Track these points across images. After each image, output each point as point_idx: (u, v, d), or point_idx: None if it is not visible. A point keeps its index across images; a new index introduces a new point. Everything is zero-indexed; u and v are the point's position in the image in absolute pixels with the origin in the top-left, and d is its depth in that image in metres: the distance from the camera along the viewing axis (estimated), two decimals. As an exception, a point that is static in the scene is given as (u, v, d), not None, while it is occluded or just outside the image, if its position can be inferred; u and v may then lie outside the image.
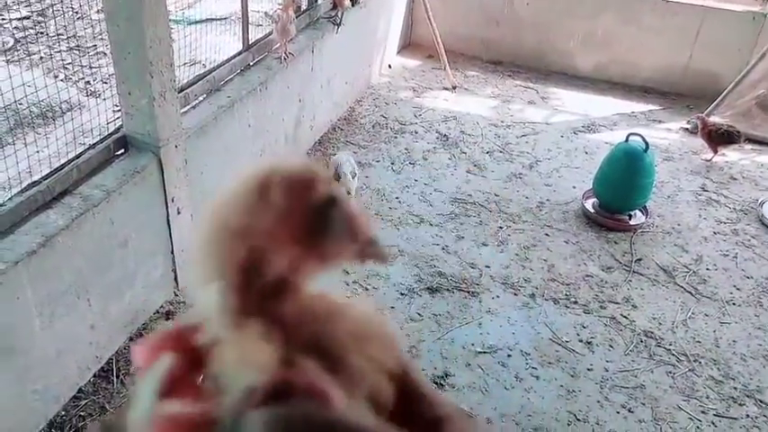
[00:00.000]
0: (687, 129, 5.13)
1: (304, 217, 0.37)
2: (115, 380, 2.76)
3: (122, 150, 2.80)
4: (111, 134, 2.76)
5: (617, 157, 3.91)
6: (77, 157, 2.59)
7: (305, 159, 0.40)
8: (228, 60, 3.51)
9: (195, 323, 0.36)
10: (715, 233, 4.00)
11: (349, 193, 3.85)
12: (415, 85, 5.62)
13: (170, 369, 0.33)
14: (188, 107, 3.14)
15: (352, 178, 3.87)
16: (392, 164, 4.47)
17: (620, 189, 3.91)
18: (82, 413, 2.59)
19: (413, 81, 5.70)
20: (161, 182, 2.85)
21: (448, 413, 0.39)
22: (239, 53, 3.61)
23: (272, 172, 0.37)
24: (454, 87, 5.59)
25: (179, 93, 2.99)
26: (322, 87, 4.47)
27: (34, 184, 2.41)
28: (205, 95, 3.30)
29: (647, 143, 3.83)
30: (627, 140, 3.92)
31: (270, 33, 3.86)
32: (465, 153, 4.67)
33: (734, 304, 3.44)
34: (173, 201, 2.94)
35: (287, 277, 0.37)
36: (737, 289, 3.55)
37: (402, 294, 3.31)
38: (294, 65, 3.96)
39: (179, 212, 3.01)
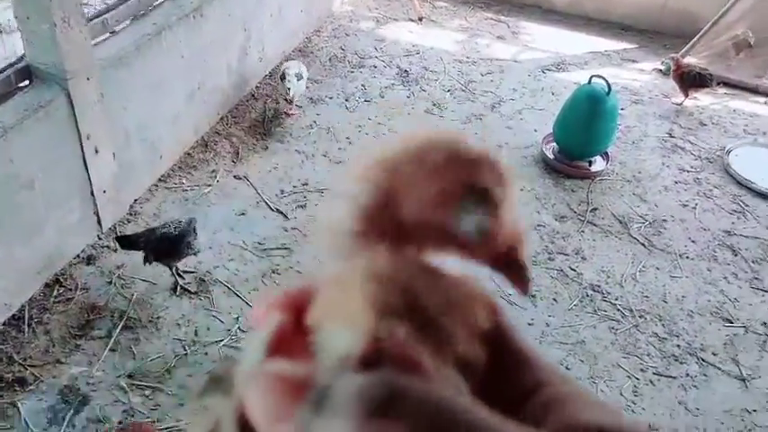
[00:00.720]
0: (660, 70, 4.89)
1: (446, 191, 0.34)
2: (26, 328, 2.61)
3: (27, 82, 2.55)
4: (12, 64, 2.50)
5: (579, 100, 3.69)
6: (-30, 89, 2.35)
7: (490, 146, 0.36)
8: (157, -17, 3.20)
9: (307, 288, 0.36)
10: (676, 182, 3.84)
11: (288, 94, 3.77)
12: (379, 16, 5.29)
13: (279, 328, 0.34)
14: (106, 35, 2.87)
15: (297, 81, 3.79)
16: (346, 101, 4.22)
17: (580, 134, 3.70)
18: (-14, 364, 2.45)
19: (377, 11, 5.36)
20: (72, 117, 2.61)
21: (550, 378, 0.36)
22: (171, -25, 3.29)
23: (442, 139, 0.36)
24: (420, 19, 5.26)
25: (94, 18, 2.72)
26: (272, 16, 4.16)
27: None
28: (128, 22, 3.01)
29: (609, 85, 3.60)
30: (590, 82, 3.69)
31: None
32: (425, 91, 4.42)
33: (687, 257, 3.32)
34: (88, 138, 2.71)
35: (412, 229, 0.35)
36: (692, 241, 3.42)
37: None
38: (236, -10, 3.65)
39: (97, 151, 2.79)
